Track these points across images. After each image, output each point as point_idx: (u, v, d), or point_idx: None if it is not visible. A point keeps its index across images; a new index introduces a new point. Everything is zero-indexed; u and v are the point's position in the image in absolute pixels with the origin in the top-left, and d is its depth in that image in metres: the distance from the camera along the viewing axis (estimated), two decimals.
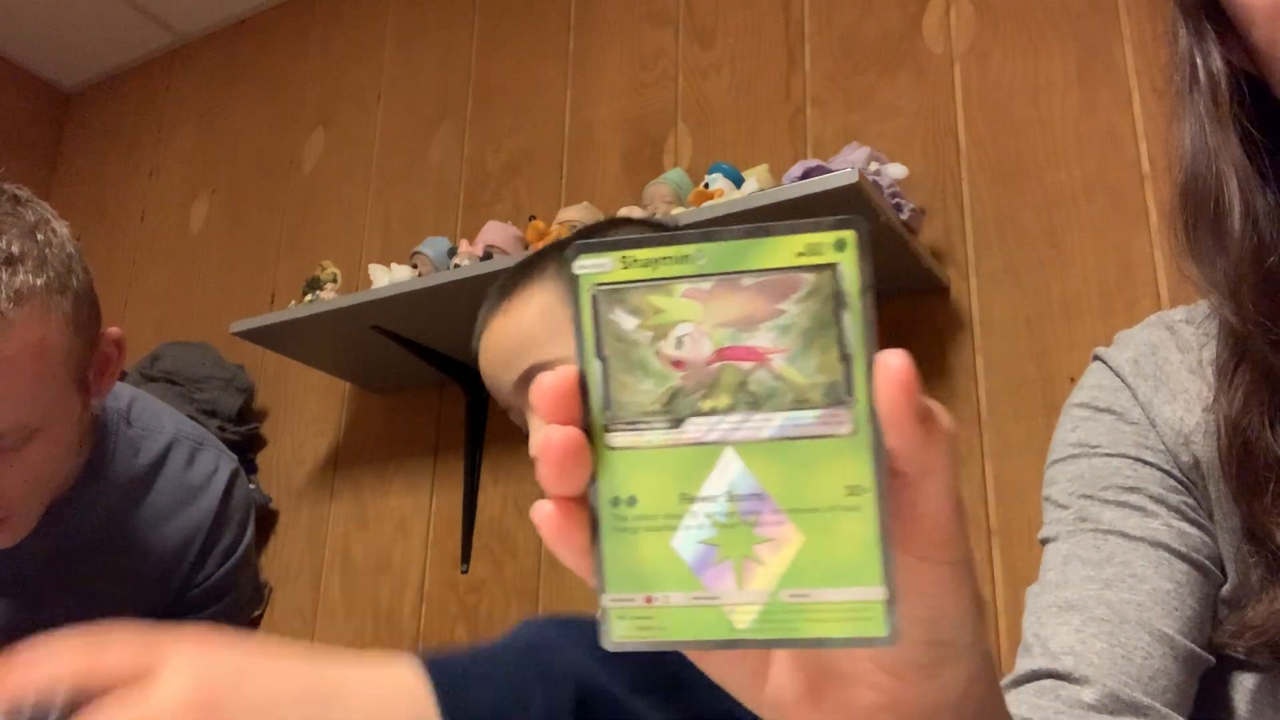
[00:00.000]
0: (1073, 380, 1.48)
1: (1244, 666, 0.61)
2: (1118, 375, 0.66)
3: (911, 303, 1.63)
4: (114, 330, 1.04)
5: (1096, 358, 0.70)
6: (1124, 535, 0.61)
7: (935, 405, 0.31)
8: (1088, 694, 0.56)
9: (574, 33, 2.18)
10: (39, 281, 0.91)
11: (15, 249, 0.91)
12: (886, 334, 1.67)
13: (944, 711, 0.34)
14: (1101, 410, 0.66)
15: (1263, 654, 0.56)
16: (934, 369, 1.59)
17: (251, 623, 2.13)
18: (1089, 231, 1.54)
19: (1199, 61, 0.60)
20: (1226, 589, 0.62)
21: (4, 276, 0.89)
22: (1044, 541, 0.65)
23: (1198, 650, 0.59)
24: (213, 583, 1.20)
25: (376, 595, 2.03)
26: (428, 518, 2.02)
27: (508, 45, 2.27)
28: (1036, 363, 1.52)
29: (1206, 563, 0.61)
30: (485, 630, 1.88)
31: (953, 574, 0.32)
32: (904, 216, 1.52)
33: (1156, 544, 0.60)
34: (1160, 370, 0.65)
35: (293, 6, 2.70)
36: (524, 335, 0.93)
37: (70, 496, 1.10)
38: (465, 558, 1.94)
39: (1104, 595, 0.59)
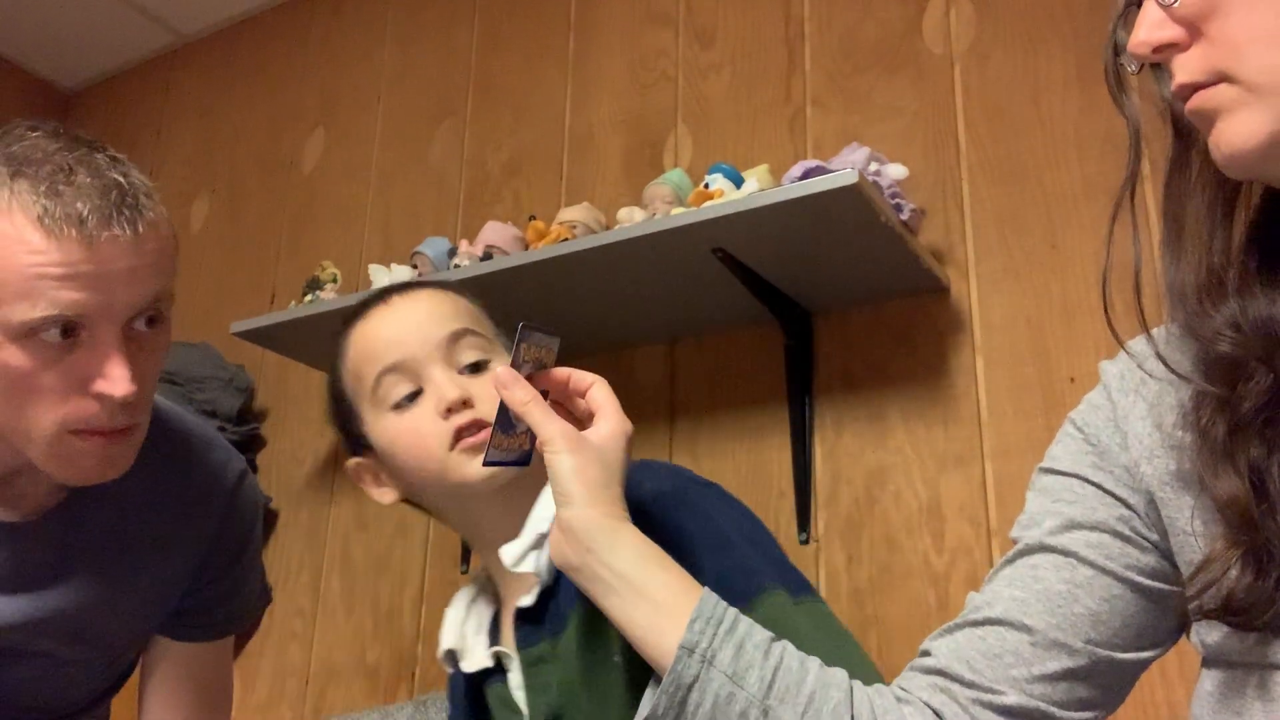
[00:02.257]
0: (1073, 381, 1.48)
1: (1209, 664, 0.67)
2: (1106, 391, 0.76)
3: (911, 303, 1.63)
4: None
5: (1100, 373, 0.79)
6: (1042, 546, 0.73)
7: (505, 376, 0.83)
8: (929, 661, 0.75)
9: (574, 33, 2.18)
10: (143, 177, 0.99)
11: (122, 157, 0.98)
12: (888, 335, 1.67)
13: (569, 528, 0.79)
14: (1077, 429, 0.77)
15: (1212, 602, 0.63)
16: (934, 369, 1.59)
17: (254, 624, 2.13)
18: (1089, 232, 1.54)
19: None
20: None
21: (132, 171, 0.97)
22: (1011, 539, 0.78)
23: (1070, 641, 0.70)
24: (221, 581, 1.20)
25: (376, 595, 2.03)
26: (427, 518, 2.02)
27: (508, 45, 2.27)
28: (1036, 363, 1.52)
29: (1125, 571, 0.71)
30: None
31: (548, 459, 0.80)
32: (904, 217, 1.52)
33: (1067, 552, 0.72)
34: (1142, 384, 0.74)
35: (293, 6, 2.70)
36: (460, 309, 1.09)
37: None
38: (465, 557, 1.94)
39: (1001, 592, 0.74)
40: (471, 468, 0.98)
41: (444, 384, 1.00)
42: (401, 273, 1.86)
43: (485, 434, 0.96)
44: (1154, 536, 0.71)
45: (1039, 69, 1.64)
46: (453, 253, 1.86)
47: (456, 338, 1.03)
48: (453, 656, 1.05)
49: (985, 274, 1.60)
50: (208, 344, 2.27)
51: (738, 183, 1.58)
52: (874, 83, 1.78)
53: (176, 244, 1.02)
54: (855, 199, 1.42)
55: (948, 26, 1.75)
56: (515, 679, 0.99)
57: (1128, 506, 0.72)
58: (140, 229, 0.93)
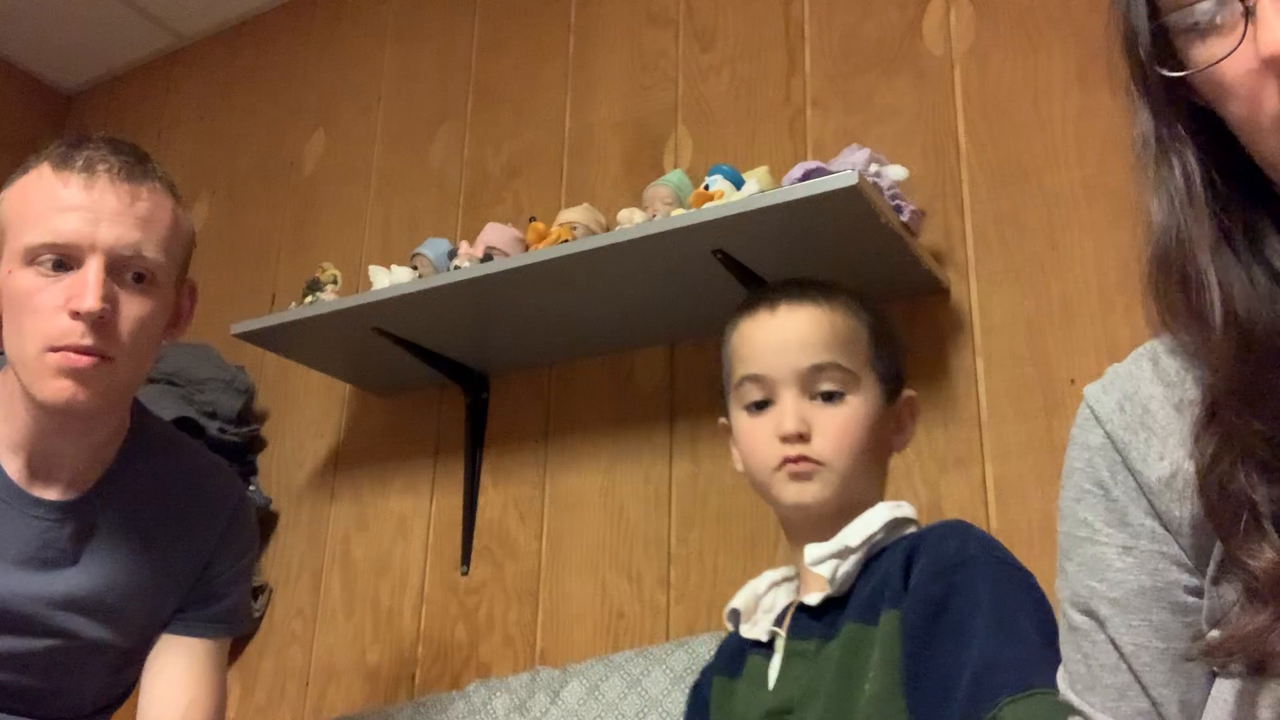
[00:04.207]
0: (1073, 382, 1.48)
1: (1221, 674, 0.64)
2: (1105, 432, 0.72)
3: (912, 305, 1.63)
4: (192, 279, 1.27)
5: (1085, 402, 0.74)
6: (1117, 666, 0.69)
7: None
8: None
9: (574, 34, 2.18)
10: (170, 176, 1.23)
11: (151, 156, 1.23)
12: None
13: None
14: (1093, 485, 0.72)
15: (1237, 666, 0.60)
16: (934, 371, 1.59)
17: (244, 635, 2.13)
18: (1089, 233, 1.54)
19: (1173, 159, 0.67)
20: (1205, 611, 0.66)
21: (155, 163, 1.22)
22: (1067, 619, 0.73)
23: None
24: (220, 580, 1.33)
25: (376, 596, 2.03)
26: (428, 519, 2.02)
27: (508, 47, 2.27)
28: (1036, 365, 1.52)
29: (1190, 644, 0.66)
30: (485, 632, 1.88)
31: None
32: (904, 218, 1.52)
33: (1135, 666, 0.68)
34: (1145, 416, 0.70)
35: (293, 8, 2.70)
36: (837, 336, 1.10)
37: (120, 467, 1.25)
38: (465, 559, 1.94)
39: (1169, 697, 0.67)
40: (788, 492, 1.07)
41: (789, 412, 1.08)
42: (401, 274, 1.86)
43: (809, 467, 1.06)
44: (1199, 580, 0.67)
45: (1039, 70, 1.64)
46: (453, 254, 1.86)
47: (818, 370, 1.09)
48: (736, 616, 1.15)
49: (985, 275, 1.60)
50: (208, 345, 2.27)
51: (738, 184, 1.58)
52: (874, 84, 1.78)
53: (183, 232, 1.21)
54: (855, 200, 1.42)
55: (948, 28, 1.75)
56: (776, 661, 1.07)
57: (1173, 540, 0.68)
58: (137, 185, 1.17)
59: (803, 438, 1.07)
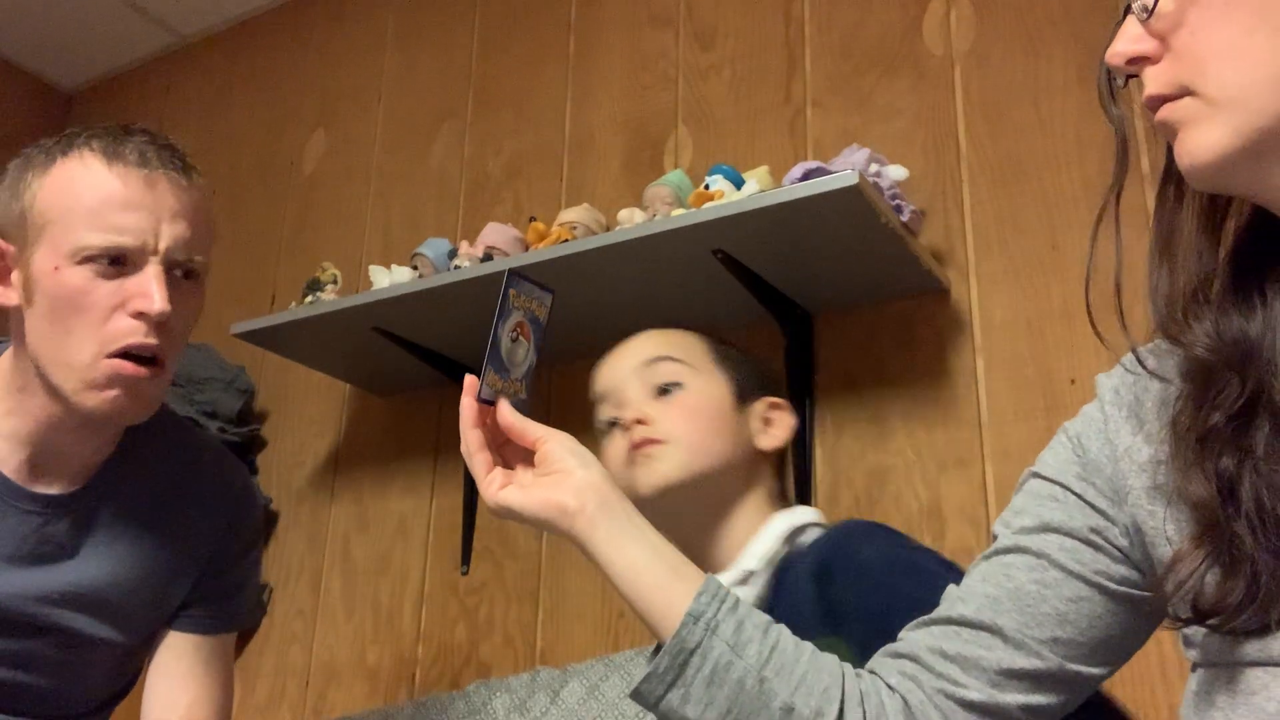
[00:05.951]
0: (1073, 382, 1.48)
1: (1194, 667, 0.69)
2: (1100, 404, 0.78)
3: (912, 305, 1.63)
4: None
5: (1097, 384, 0.81)
6: (1017, 546, 0.77)
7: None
8: (901, 647, 0.80)
9: (574, 34, 2.18)
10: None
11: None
12: (888, 337, 1.66)
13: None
14: (1069, 438, 0.79)
15: (1182, 607, 0.65)
16: (934, 371, 1.59)
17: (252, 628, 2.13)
18: (1089, 233, 1.54)
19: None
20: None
21: (183, 153, 1.16)
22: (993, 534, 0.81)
23: (1036, 642, 0.74)
24: (227, 575, 1.30)
25: (377, 596, 2.03)
26: (428, 519, 2.02)
27: (508, 47, 2.27)
28: (1037, 365, 1.52)
29: (1094, 576, 0.74)
30: (485, 632, 1.88)
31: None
32: (904, 218, 1.53)
33: (1039, 554, 0.75)
34: (1137, 400, 0.75)
35: (293, 8, 2.70)
36: (669, 340, 1.16)
37: (121, 456, 1.22)
38: (465, 559, 1.94)
39: (975, 588, 0.77)
40: (639, 479, 1.06)
41: (629, 404, 1.10)
42: (402, 274, 1.86)
43: (654, 447, 1.05)
44: (1124, 544, 0.74)
45: (1039, 70, 1.64)
46: (453, 254, 1.86)
47: (653, 364, 1.12)
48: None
49: (985, 275, 1.60)
50: (208, 345, 2.27)
51: (738, 184, 1.58)
52: (874, 84, 1.78)
53: (214, 223, 1.20)
54: (855, 200, 1.42)
55: (948, 28, 1.75)
56: None
57: (1105, 517, 0.74)
58: (190, 180, 1.14)
59: (641, 422, 1.08)
